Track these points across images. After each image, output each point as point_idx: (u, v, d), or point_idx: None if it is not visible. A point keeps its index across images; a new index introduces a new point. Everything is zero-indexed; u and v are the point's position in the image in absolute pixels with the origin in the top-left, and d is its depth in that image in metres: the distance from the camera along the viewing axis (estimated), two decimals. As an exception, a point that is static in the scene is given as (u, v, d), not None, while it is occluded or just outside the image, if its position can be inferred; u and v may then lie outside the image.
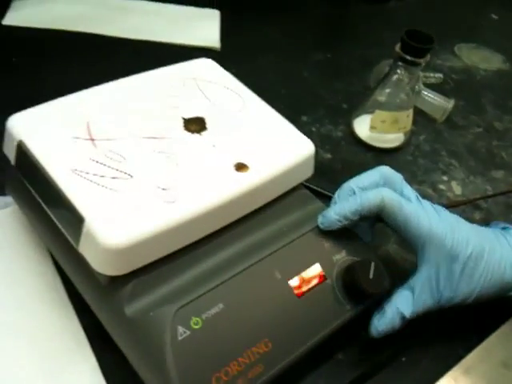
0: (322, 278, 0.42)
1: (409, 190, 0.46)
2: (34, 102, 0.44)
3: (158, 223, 0.37)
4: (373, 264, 0.42)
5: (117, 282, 0.37)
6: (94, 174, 0.39)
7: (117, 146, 0.42)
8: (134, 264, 0.37)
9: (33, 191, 0.41)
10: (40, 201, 0.41)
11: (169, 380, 0.35)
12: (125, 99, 0.46)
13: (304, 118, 0.69)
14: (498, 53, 0.90)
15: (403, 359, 0.46)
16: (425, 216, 0.43)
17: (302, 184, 0.48)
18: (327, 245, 0.44)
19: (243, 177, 0.42)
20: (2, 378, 0.39)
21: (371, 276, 0.41)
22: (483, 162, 0.68)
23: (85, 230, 0.36)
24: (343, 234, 0.44)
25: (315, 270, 0.42)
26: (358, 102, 0.69)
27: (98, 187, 0.38)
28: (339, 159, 0.64)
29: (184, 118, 0.45)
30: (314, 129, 0.68)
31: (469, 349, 0.47)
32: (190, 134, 0.44)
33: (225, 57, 0.75)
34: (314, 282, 0.42)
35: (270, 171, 0.43)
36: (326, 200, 0.57)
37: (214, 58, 0.54)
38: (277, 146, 0.45)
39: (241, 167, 0.42)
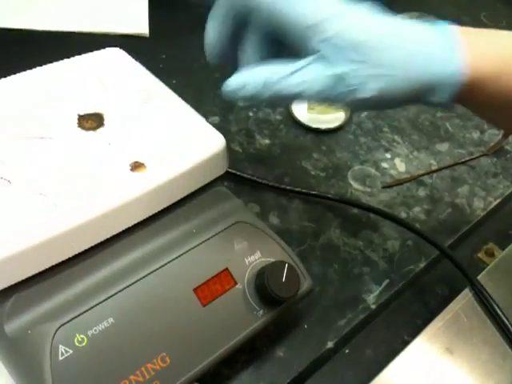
0: (232, 284, 0.39)
1: None
2: None
3: (34, 234, 0.34)
4: (286, 266, 0.39)
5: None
6: (-31, 181, 0.36)
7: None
8: (11, 279, 0.34)
9: None
10: None
11: (48, 404, 0.32)
12: (16, 96, 0.42)
13: (240, 103, 0.65)
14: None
15: (346, 351, 0.44)
16: None
17: (219, 178, 0.45)
18: (240, 246, 0.40)
19: (138, 178, 0.38)
20: None
21: (284, 279, 0.38)
22: (427, 135, 0.65)
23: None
24: (259, 234, 0.41)
25: (224, 274, 0.39)
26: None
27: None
28: (278, 144, 0.61)
29: (79, 115, 0.42)
30: (251, 113, 0.64)
31: (413, 334, 0.44)
32: (84, 131, 0.41)
33: (155, 42, 0.72)
34: (223, 288, 0.38)
35: (170, 170, 0.39)
36: (261, 188, 0.55)
37: (142, 45, 0.50)
38: (182, 142, 0.41)
39: (137, 167, 0.39)
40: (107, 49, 0.48)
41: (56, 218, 0.35)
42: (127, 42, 0.51)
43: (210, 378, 0.39)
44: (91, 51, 0.48)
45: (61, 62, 0.46)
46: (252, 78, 0.36)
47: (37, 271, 0.35)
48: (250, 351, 0.41)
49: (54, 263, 0.35)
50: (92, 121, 0.41)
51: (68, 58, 0.47)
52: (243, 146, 0.60)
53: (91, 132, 0.41)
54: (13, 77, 0.44)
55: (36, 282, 0.35)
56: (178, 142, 0.41)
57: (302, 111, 0.64)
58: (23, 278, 0.34)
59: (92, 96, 0.44)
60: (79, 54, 0.48)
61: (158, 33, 0.74)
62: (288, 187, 0.55)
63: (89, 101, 0.43)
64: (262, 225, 0.42)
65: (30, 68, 0.45)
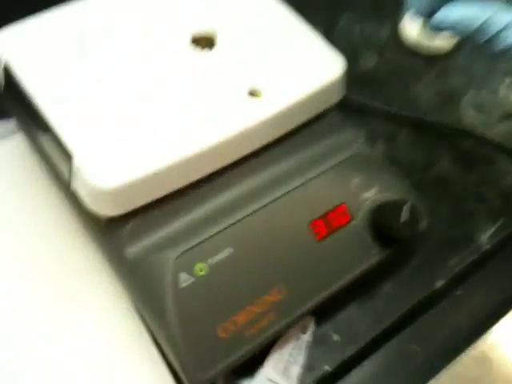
0: (348, 219, 0.37)
1: None
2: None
3: (155, 159, 0.33)
4: (407, 205, 0.37)
5: (116, 220, 0.34)
6: (86, 103, 0.34)
7: (112, 68, 0.36)
8: (132, 204, 0.33)
9: (24, 120, 0.37)
10: (32, 132, 0.37)
11: (170, 329, 0.32)
12: (124, 9, 0.40)
13: (346, 15, 0.60)
14: None
15: (458, 293, 0.42)
16: None
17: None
18: (356, 180, 0.38)
19: (256, 103, 0.36)
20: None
21: (403, 218, 0.36)
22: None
23: (74, 167, 0.32)
24: (377, 168, 0.39)
25: (340, 209, 0.37)
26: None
27: (88, 118, 0.34)
28: (385, 65, 0.56)
29: (193, 35, 0.39)
30: (356, 28, 0.59)
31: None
32: (197, 50, 0.38)
33: None
34: (338, 223, 0.37)
35: (288, 97, 0.37)
36: (367, 113, 0.52)
37: None
38: (299, 64, 0.38)
39: (255, 93, 0.36)
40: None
41: (176, 143, 0.33)
42: None
43: (318, 309, 0.39)
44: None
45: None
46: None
47: (158, 196, 0.34)
48: (358, 286, 0.40)
49: (173, 189, 0.35)
50: (206, 38, 0.39)
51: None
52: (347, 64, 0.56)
53: (205, 51, 0.38)
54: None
55: (156, 207, 0.34)
56: (295, 64, 0.38)
57: (413, 28, 0.58)
58: (144, 202, 0.34)
59: (203, 7, 0.41)
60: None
61: None
62: (397, 112, 0.52)
63: (201, 13, 0.40)
64: (380, 158, 0.40)
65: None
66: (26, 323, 0.37)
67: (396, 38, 0.58)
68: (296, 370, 0.37)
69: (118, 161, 0.32)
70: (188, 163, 0.34)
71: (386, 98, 0.53)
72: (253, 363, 0.37)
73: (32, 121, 0.36)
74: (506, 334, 0.39)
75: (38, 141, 0.37)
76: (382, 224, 0.37)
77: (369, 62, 0.56)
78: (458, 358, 0.37)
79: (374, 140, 0.50)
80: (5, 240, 0.41)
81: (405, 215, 0.36)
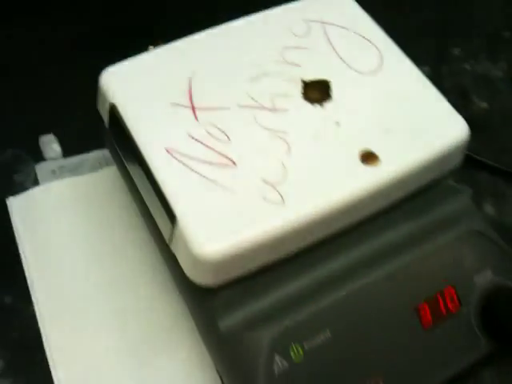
0: (457, 305, 0.34)
1: None
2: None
3: (261, 229, 0.31)
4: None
5: (211, 289, 0.32)
6: (193, 158, 0.33)
7: (220, 120, 0.35)
8: (231, 275, 0.32)
9: (126, 164, 0.36)
10: (133, 177, 0.36)
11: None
12: (234, 51, 0.38)
13: (455, 51, 0.56)
14: None
15: None
16: None
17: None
18: (469, 259, 0.35)
19: (370, 171, 0.33)
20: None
21: (520, 310, 0.33)
22: None
23: (177, 230, 0.31)
24: (492, 248, 0.36)
25: (449, 293, 0.34)
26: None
27: (195, 176, 0.32)
28: (498, 109, 0.52)
29: (304, 81, 0.37)
30: (467, 66, 0.55)
31: None
32: (309, 104, 0.36)
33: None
34: (446, 308, 0.34)
35: (406, 165, 0.34)
36: (475, 165, 0.47)
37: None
38: (419, 128, 0.35)
39: (369, 157, 0.34)
40: (332, -6, 0.42)
41: (283, 211, 0.31)
42: None
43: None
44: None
45: (278, 8, 0.41)
46: None
47: (258, 267, 0.32)
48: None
49: (274, 260, 0.33)
50: (318, 91, 0.36)
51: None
52: (456, 107, 0.52)
53: (317, 106, 0.36)
54: (225, 26, 0.40)
55: (253, 278, 0.33)
56: (414, 125, 0.35)
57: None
58: (243, 273, 0.32)
59: (317, 56, 0.38)
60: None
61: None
62: (508, 169, 0.47)
63: (314, 62, 0.38)
64: (495, 236, 0.36)
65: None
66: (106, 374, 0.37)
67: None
68: None
69: (223, 229, 0.31)
70: (293, 233, 0.32)
71: (498, 148, 0.49)
72: None
73: (135, 169, 0.35)
74: None
75: (137, 187, 0.36)
76: (494, 315, 0.33)
77: (481, 105, 0.52)
78: None
79: (480, 197, 0.46)
80: (92, 274, 0.41)
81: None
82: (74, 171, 0.45)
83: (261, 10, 0.40)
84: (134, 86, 0.36)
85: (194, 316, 0.35)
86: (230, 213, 0.31)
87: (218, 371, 0.35)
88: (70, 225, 0.43)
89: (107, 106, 0.36)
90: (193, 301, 0.35)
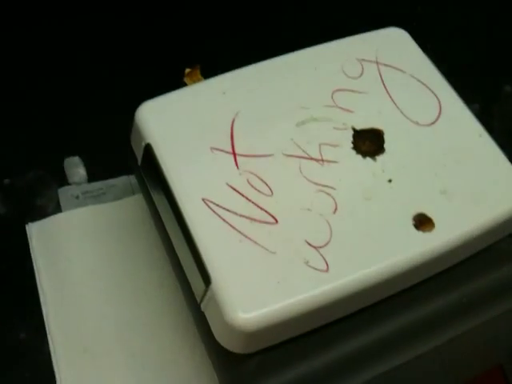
0: (505, 385, 0.32)
1: None
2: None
3: (300, 300, 0.28)
4: None
5: (240, 356, 0.30)
6: (231, 211, 0.30)
7: (263, 169, 0.32)
8: (265, 344, 0.29)
9: (158, 207, 0.34)
10: (164, 224, 0.33)
11: None
12: (280, 90, 0.35)
13: (507, 89, 0.52)
14: None
15: None
16: None
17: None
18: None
19: (423, 239, 0.30)
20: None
21: None
22: None
23: (209, 293, 0.29)
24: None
25: (496, 372, 0.32)
26: None
27: (234, 233, 0.30)
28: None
29: (355, 130, 0.34)
30: (518, 106, 0.51)
31: None
32: (360, 156, 0.33)
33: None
34: (495, 391, 0.31)
35: (463, 231, 0.31)
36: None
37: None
38: (478, 190, 0.32)
39: (423, 222, 0.31)
40: (388, 29, 0.38)
41: (326, 279, 0.29)
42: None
43: None
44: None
45: (331, 43, 0.38)
46: None
47: (290, 337, 0.30)
48: None
49: (310, 329, 0.30)
50: (370, 142, 0.33)
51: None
52: (506, 150, 0.49)
53: (369, 159, 0.33)
54: (272, 61, 0.36)
55: (287, 346, 0.30)
56: (473, 187, 0.32)
57: None
58: (277, 342, 0.30)
59: (370, 101, 0.35)
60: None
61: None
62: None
63: (367, 108, 0.35)
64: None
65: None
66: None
67: None
68: None
69: (260, 298, 0.28)
70: (336, 303, 0.29)
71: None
72: None
73: (167, 215, 0.32)
74: None
75: (168, 234, 0.33)
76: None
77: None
78: None
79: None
80: (112, 313, 0.39)
81: None
82: (98, 197, 0.43)
83: (315, 42, 0.37)
84: (171, 125, 0.33)
85: (221, 380, 0.33)
86: (268, 278, 0.29)
87: None
88: (91, 257, 0.40)
89: (142, 144, 0.33)
90: (221, 365, 0.32)
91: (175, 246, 0.32)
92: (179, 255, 0.32)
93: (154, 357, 0.37)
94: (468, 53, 0.54)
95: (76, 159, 0.44)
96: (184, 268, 0.32)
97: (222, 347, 0.30)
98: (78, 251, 0.41)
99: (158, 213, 0.34)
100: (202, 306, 0.30)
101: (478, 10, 0.58)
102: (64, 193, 0.43)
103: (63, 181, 0.43)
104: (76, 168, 0.43)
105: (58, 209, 0.42)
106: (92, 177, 0.44)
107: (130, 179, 0.44)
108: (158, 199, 0.33)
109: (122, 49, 0.52)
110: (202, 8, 0.54)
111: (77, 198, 0.43)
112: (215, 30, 0.53)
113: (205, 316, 0.30)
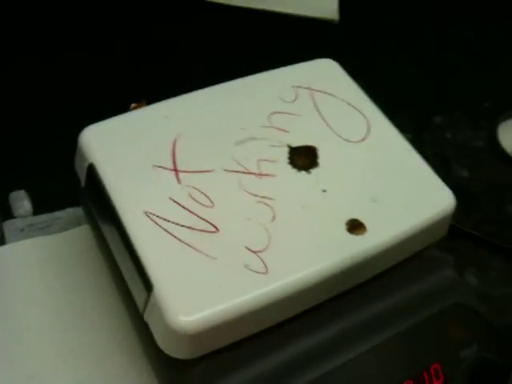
0: (442, 382, 0.33)
1: None
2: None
3: (241, 301, 0.29)
4: (514, 375, 0.32)
5: (186, 363, 0.30)
6: (173, 222, 0.31)
7: (204, 183, 0.33)
8: (209, 348, 0.30)
9: (100, 225, 0.35)
10: (107, 240, 0.34)
11: None
12: (220, 114, 0.37)
13: (437, 120, 0.56)
14: None
15: None
16: None
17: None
18: (455, 335, 0.34)
19: (356, 241, 0.32)
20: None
21: (511, 389, 0.32)
22: None
23: (151, 299, 0.29)
24: (478, 321, 0.34)
25: (434, 369, 0.33)
26: (506, 101, 0.56)
27: (175, 242, 0.31)
28: (479, 178, 0.52)
29: (290, 147, 0.36)
30: (448, 135, 0.55)
31: None
32: (295, 170, 0.35)
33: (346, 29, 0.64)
34: (433, 387, 0.32)
35: (391, 234, 0.33)
36: (456, 234, 0.47)
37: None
38: (406, 198, 0.34)
39: (356, 227, 0.33)
40: (319, 60, 0.42)
41: (266, 281, 0.30)
42: (311, 27, 0.45)
43: None
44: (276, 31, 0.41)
45: (267, 73, 0.40)
46: None
47: (237, 339, 0.30)
48: None
49: (254, 332, 0.31)
50: (305, 157, 0.36)
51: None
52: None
53: (304, 172, 0.35)
54: (213, 88, 0.39)
55: (232, 351, 0.30)
56: (401, 195, 0.35)
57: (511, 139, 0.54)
58: (221, 346, 0.30)
59: (304, 122, 0.38)
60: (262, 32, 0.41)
61: (348, 18, 0.65)
62: (490, 239, 0.47)
63: (301, 128, 0.37)
64: (481, 309, 0.35)
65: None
66: None
67: (493, 148, 0.54)
68: None
69: (201, 301, 0.29)
70: (276, 304, 0.30)
71: (479, 217, 0.49)
72: None
73: (110, 231, 0.33)
74: None
75: (111, 251, 0.34)
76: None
77: (461, 173, 0.52)
78: None
79: (463, 266, 0.45)
80: (55, 342, 0.38)
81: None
82: (44, 230, 0.43)
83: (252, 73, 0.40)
84: (114, 145, 0.35)
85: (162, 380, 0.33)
86: (209, 282, 0.29)
87: None
88: (37, 287, 0.40)
89: (85, 165, 0.34)
90: (166, 375, 0.32)
91: (118, 260, 0.33)
92: (122, 268, 0.32)
93: (100, 382, 0.37)
94: (399, 87, 0.58)
95: (21, 193, 0.44)
96: (126, 279, 0.32)
97: (167, 356, 0.30)
98: (23, 282, 0.40)
99: (101, 233, 0.35)
100: (144, 315, 0.30)
101: (411, 43, 0.64)
102: (9, 226, 0.43)
103: (8, 214, 0.43)
104: (21, 201, 0.44)
105: (2, 242, 0.42)
106: (37, 210, 0.44)
107: (76, 211, 0.44)
108: (101, 217, 0.34)
109: (64, 82, 0.53)
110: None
111: (22, 230, 0.43)
112: (161, 67, 0.56)
113: (147, 326, 0.30)
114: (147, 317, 0.30)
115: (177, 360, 0.30)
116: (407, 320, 0.34)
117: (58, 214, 0.44)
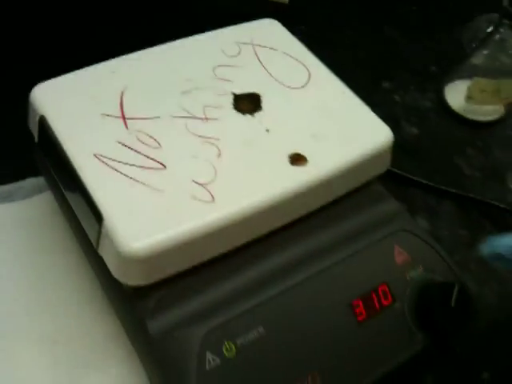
0: (390, 301, 0.34)
1: None
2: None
3: (189, 227, 0.31)
4: (456, 288, 0.34)
5: (141, 291, 0.32)
6: (121, 162, 0.33)
7: (151, 128, 0.35)
8: (160, 274, 0.31)
9: (54, 175, 0.36)
10: (61, 188, 0.35)
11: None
12: (166, 69, 0.39)
13: (385, 84, 0.59)
14: None
15: None
16: None
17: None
18: (401, 258, 0.36)
19: (298, 172, 0.34)
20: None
21: (453, 304, 0.33)
22: None
23: (104, 230, 0.31)
24: (423, 246, 0.36)
25: (382, 289, 0.34)
26: (450, 65, 0.58)
27: (123, 178, 0.32)
28: (427, 134, 0.55)
29: (234, 94, 0.38)
30: (397, 97, 0.58)
31: None
32: (240, 114, 0.37)
33: (295, 10, 0.66)
34: (380, 304, 0.34)
35: (332, 166, 0.35)
36: (408, 184, 0.49)
37: (282, 13, 0.45)
38: (345, 133, 0.37)
39: (297, 159, 0.35)
40: (263, 19, 0.44)
41: (212, 210, 0.31)
42: (263, 9, 0.47)
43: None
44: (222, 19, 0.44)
45: (211, 32, 0.42)
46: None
47: (188, 266, 0.32)
48: (398, 375, 0.37)
49: (204, 260, 0.32)
50: (249, 102, 0.38)
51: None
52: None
53: (248, 116, 0.37)
54: (157, 48, 0.41)
55: (184, 278, 0.32)
56: (341, 131, 0.37)
57: (456, 97, 0.56)
58: (173, 273, 0.31)
59: (248, 73, 0.40)
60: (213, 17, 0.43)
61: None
62: (439, 186, 0.49)
63: (245, 78, 0.39)
64: (426, 235, 0.37)
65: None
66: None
67: (440, 107, 0.57)
68: None
69: (151, 228, 0.30)
70: (223, 233, 0.32)
71: (428, 168, 0.51)
72: None
73: (63, 178, 0.35)
74: None
75: (67, 200, 0.35)
76: (427, 310, 0.34)
77: (411, 131, 0.55)
78: None
79: (414, 212, 0.48)
80: (23, 298, 0.39)
81: (454, 300, 0.33)
82: (7, 199, 0.44)
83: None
84: (63, 98, 0.36)
85: (122, 319, 0.34)
86: (158, 211, 0.31)
87: (149, 377, 0.34)
88: (2, 249, 0.41)
89: (36, 119, 0.36)
90: (121, 303, 0.33)
91: (72, 203, 0.34)
92: (76, 209, 0.34)
93: (66, 333, 0.38)
94: (351, 54, 0.61)
95: (-17, 164, 0.45)
96: (80, 219, 0.34)
97: (121, 285, 0.32)
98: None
99: (57, 183, 0.36)
100: (98, 249, 0.32)
101: (360, 16, 0.66)
102: (-29, 197, 0.44)
103: (-30, 185, 0.44)
104: (-17, 173, 0.45)
105: (-34, 212, 0.43)
106: (1, 181, 0.45)
107: (38, 181, 0.45)
108: (54, 165, 0.36)
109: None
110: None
111: (-16, 200, 0.44)
112: (105, 29, 0.58)
113: (102, 259, 0.32)
114: (101, 249, 0.32)
115: (130, 289, 0.31)
116: (355, 245, 0.35)
117: (20, 183, 0.45)
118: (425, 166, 0.51)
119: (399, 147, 0.53)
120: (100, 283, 0.36)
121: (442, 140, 0.54)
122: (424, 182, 0.49)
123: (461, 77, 0.57)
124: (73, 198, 0.34)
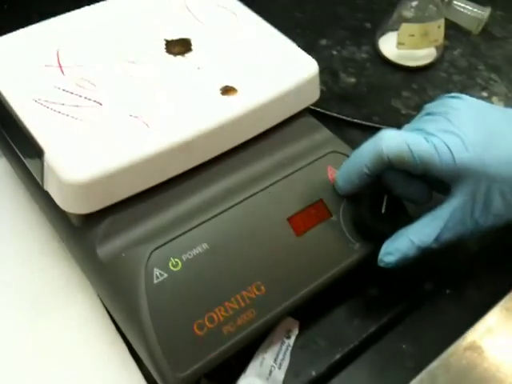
0: (327, 215, 0.37)
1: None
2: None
3: (127, 154, 0.33)
4: (386, 197, 0.36)
5: (88, 220, 0.33)
6: (59, 104, 0.35)
7: (88, 73, 0.37)
8: (104, 201, 0.33)
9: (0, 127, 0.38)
10: (5, 135, 0.37)
11: (143, 327, 0.31)
12: (101, 22, 0.41)
13: (323, 42, 0.62)
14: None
15: (447, 291, 0.41)
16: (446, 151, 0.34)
17: (308, 110, 0.42)
18: (334, 177, 0.38)
19: (230, 101, 0.36)
20: None
21: (383, 210, 0.36)
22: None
23: (46, 164, 0.32)
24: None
25: (318, 206, 0.37)
26: (382, 20, 0.61)
27: (61, 117, 0.34)
28: (365, 83, 0.57)
29: (166, 40, 0.40)
30: (334, 52, 0.60)
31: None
32: (172, 56, 0.39)
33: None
34: (317, 219, 0.36)
35: (262, 94, 0.37)
36: (348, 127, 0.52)
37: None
38: (273, 67, 0.39)
39: (228, 90, 0.37)
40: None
41: (149, 138, 0.33)
42: None
43: (302, 313, 0.38)
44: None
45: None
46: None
47: (130, 194, 0.34)
48: (342, 287, 0.39)
49: (147, 186, 0.34)
50: (180, 46, 0.40)
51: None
52: (327, 84, 0.57)
53: (179, 57, 0.39)
54: (92, 6, 0.43)
55: (129, 205, 0.34)
56: (269, 65, 0.39)
57: (390, 47, 0.59)
58: (116, 200, 0.33)
59: (178, 21, 0.42)
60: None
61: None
62: (377, 125, 0.52)
63: (176, 26, 0.41)
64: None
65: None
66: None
67: (376, 58, 0.60)
68: (280, 375, 0.35)
69: (90, 156, 0.32)
70: (161, 160, 0.34)
71: (366, 112, 0.54)
72: (235, 371, 0.35)
73: (6, 125, 0.36)
74: (497, 322, 0.38)
75: (12, 147, 0.37)
76: (361, 217, 0.36)
77: (349, 81, 0.57)
78: (450, 348, 0.36)
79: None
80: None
81: (385, 207, 0.36)
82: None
83: None
84: (6, 54, 0.38)
85: (73, 250, 0.36)
86: (96, 142, 0.33)
87: (100, 299, 0.36)
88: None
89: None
90: (71, 234, 0.35)
91: (16, 147, 0.36)
92: (20, 152, 0.36)
93: (28, 279, 0.39)
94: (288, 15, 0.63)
95: None
96: (24, 159, 0.35)
97: (69, 219, 0.33)
98: None
99: (3, 135, 0.38)
100: (44, 185, 0.33)
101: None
102: None
103: None
104: None
105: None
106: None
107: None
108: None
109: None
110: None
111: None
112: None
113: (49, 195, 0.33)
114: (46, 185, 0.33)
115: (77, 218, 0.33)
116: (292, 168, 0.38)
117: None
118: (364, 111, 0.54)
119: (339, 96, 0.56)
120: (50, 222, 0.38)
121: (379, 86, 0.57)
122: (364, 123, 0.52)
123: (393, 29, 0.60)
124: (17, 143, 0.36)
